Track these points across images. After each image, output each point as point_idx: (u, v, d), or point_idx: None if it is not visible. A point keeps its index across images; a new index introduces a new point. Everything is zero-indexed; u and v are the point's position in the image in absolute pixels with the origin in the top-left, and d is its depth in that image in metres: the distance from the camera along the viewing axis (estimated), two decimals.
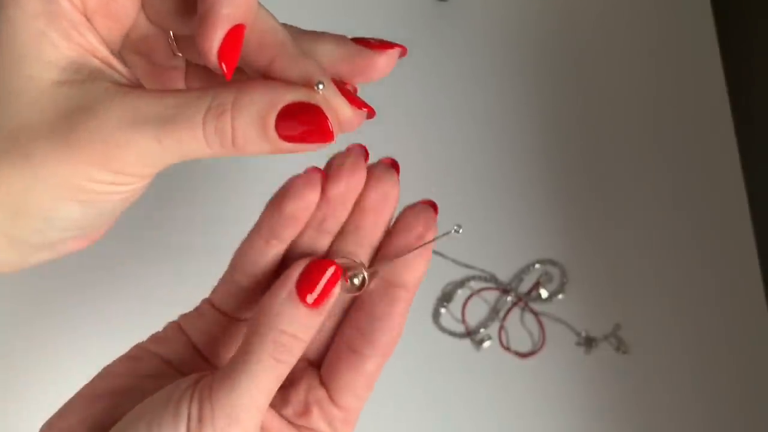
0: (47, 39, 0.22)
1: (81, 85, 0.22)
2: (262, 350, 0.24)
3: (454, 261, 0.53)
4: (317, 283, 0.25)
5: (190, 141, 0.23)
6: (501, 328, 0.53)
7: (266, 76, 0.24)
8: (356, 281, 0.26)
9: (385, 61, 0.25)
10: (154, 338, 0.28)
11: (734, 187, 0.54)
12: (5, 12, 0.22)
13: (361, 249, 0.27)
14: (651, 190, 0.55)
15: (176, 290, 0.29)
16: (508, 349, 0.52)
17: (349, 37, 0.25)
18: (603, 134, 0.56)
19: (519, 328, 0.53)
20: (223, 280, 0.28)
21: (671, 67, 0.57)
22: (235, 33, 0.22)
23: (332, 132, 0.23)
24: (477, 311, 0.53)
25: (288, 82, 0.23)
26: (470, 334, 0.52)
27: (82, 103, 0.22)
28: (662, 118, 0.56)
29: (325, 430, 0.27)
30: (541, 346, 0.52)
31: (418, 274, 0.27)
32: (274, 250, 0.26)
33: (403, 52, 0.25)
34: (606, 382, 0.52)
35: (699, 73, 0.57)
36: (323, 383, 0.27)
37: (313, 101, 0.23)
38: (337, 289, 0.25)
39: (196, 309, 0.28)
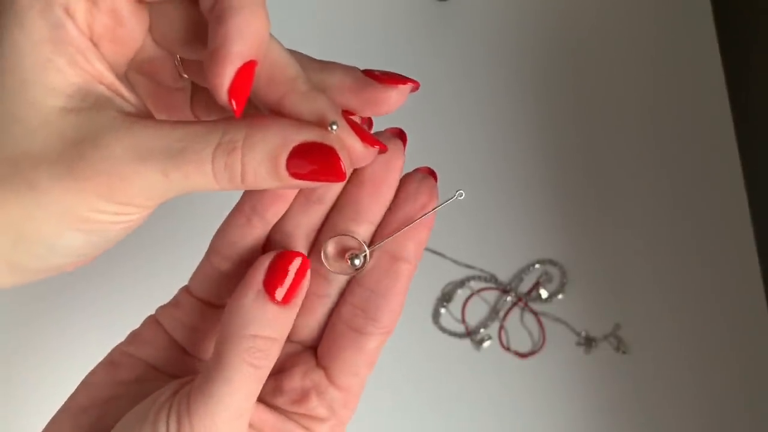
0: (53, 65, 0.21)
1: (87, 114, 0.22)
2: (237, 358, 0.23)
3: (454, 261, 0.53)
4: (285, 277, 0.24)
5: (198, 176, 0.22)
6: (501, 328, 0.53)
7: (276, 112, 0.24)
8: (357, 262, 0.25)
9: (395, 96, 0.25)
10: (132, 338, 0.27)
11: (734, 187, 0.54)
12: (10, 36, 0.21)
13: (360, 226, 0.25)
14: (651, 190, 0.55)
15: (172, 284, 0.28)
16: (508, 349, 0.52)
17: (360, 68, 0.25)
18: (603, 134, 0.56)
19: (519, 328, 0.53)
20: (201, 265, 0.27)
21: (671, 67, 0.57)
22: (246, 70, 0.22)
23: (345, 172, 0.23)
24: (477, 311, 0.53)
25: (300, 120, 0.23)
26: (470, 334, 0.52)
27: (88, 133, 0.22)
28: (662, 117, 0.56)
29: (324, 415, 0.26)
30: (541, 346, 0.52)
31: (421, 245, 0.26)
32: (257, 230, 0.25)
33: (415, 87, 0.25)
34: (606, 382, 0.52)
35: (699, 72, 0.57)
36: (321, 365, 0.26)
37: (326, 142, 0.23)
38: (307, 281, 0.25)
39: (174, 299, 0.27)
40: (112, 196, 0.22)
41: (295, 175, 0.23)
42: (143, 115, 0.23)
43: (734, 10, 0.59)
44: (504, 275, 0.53)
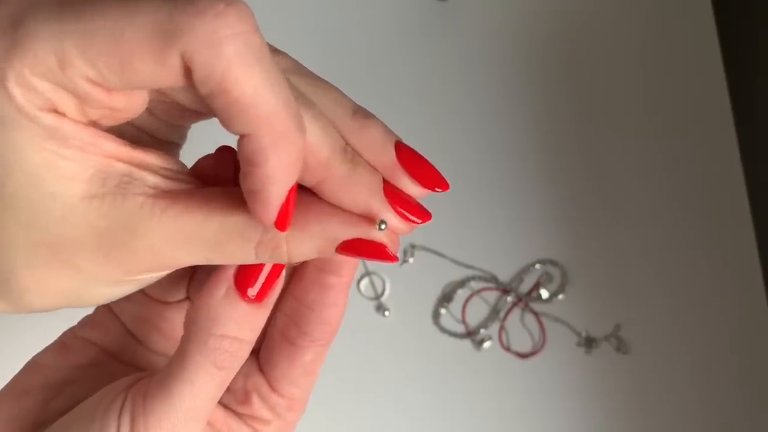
0: (61, 157, 0.20)
1: (112, 200, 0.21)
2: (202, 357, 0.22)
3: (454, 261, 0.53)
4: (258, 274, 0.23)
5: (240, 261, 0.22)
6: (501, 328, 0.53)
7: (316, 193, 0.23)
8: None
9: (419, 193, 0.24)
10: (86, 322, 0.27)
11: (735, 187, 0.54)
12: (8, 137, 0.20)
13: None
14: (651, 190, 0.55)
15: None
16: (508, 349, 0.52)
17: (395, 141, 0.23)
18: (603, 134, 0.56)
19: (519, 329, 0.53)
20: None
21: (671, 67, 0.57)
22: (290, 197, 0.21)
23: (394, 257, 0.22)
24: (477, 311, 0.53)
25: (344, 214, 0.22)
26: (470, 334, 0.52)
27: (120, 222, 0.21)
28: (662, 117, 0.56)
29: (268, 417, 0.26)
30: (542, 347, 0.52)
31: (354, 259, 0.24)
32: None
33: (444, 189, 0.24)
34: (606, 382, 0.52)
35: (700, 72, 0.57)
36: (261, 370, 0.26)
37: (376, 240, 0.22)
38: (281, 280, 0.24)
39: None
40: (155, 271, 0.22)
41: (344, 255, 0.22)
42: (170, 191, 0.22)
43: (735, 9, 0.58)
44: (504, 275, 0.53)
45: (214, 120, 0.21)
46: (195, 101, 0.21)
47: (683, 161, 0.55)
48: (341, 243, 0.22)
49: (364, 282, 0.53)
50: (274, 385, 0.25)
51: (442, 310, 0.53)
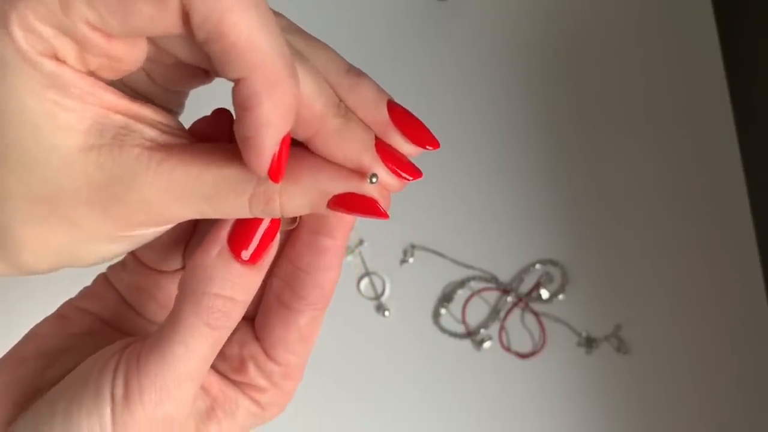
0: (60, 107, 0.20)
1: (109, 151, 0.21)
2: (195, 317, 0.22)
3: (454, 261, 0.53)
4: (252, 235, 0.23)
5: (234, 214, 0.22)
6: (501, 328, 0.53)
7: (309, 147, 0.23)
8: None
9: (411, 151, 0.24)
10: (84, 293, 0.27)
11: (735, 187, 0.54)
12: (7, 85, 0.20)
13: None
14: (651, 190, 0.55)
15: None
16: (508, 349, 0.52)
17: (387, 99, 0.24)
18: (604, 134, 0.56)
19: (519, 329, 0.53)
20: None
21: (672, 67, 0.57)
22: (283, 146, 0.21)
23: (385, 213, 0.23)
24: (477, 312, 0.53)
25: (337, 168, 0.22)
26: (471, 334, 0.52)
27: (115, 174, 0.21)
28: (663, 118, 0.56)
29: (264, 385, 0.26)
30: (542, 347, 0.52)
31: (345, 219, 0.25)
32: None
33: (435, 147, 0.24)
34: (606, 382, 0.51)
35: (699, 72, 0.57)
36: (257, 337, 0.26)
37: (366, 194, 0.22)
38: (276, 243, 0.24)
39: (121, 259, 0.27)
40: (150, 226, 0.22)
41: (336, 210, 0.23)
42: (167, 144, 0.22)
43: (735, 10, 0.58)
44: (504, 275, 0.53)
45: (210, 93, 0.20)
46: (190, 52, 0.21)
47: (683, 161, 0.55)
48: (333, 198, 0.22)
49: (364, 282, 0.53)
50: (270, 352, 0.25)
51: (442, 310, 0.53)
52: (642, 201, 0.54)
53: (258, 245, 0.23)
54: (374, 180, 0.22)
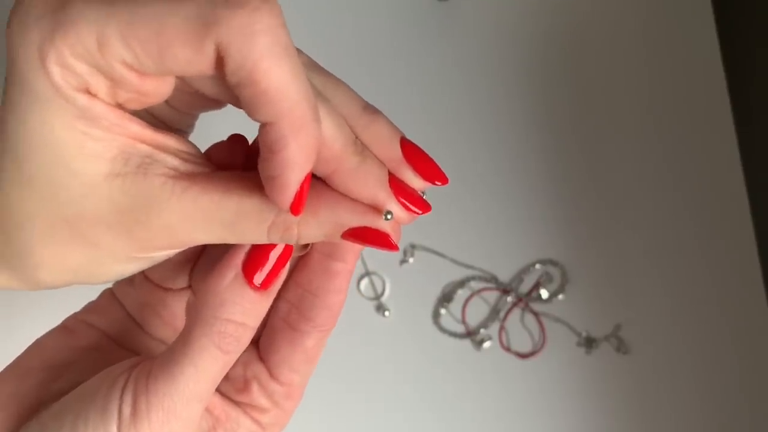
0: (89, 137, 0.21)
1: (134, 180, 0.22)
2: (206, 340, 0.23)
3: (454, 261, 0.53)
4: (265, 262, 0.24)
5: (252, 240, 0.23)
6: (501, 328, 0.53)
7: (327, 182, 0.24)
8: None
9: (420, 186, 0.25)
10: (89, 307, 0.27)
11: (735, 187, 0.54)
12: (37, 116, 0.21)
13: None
14: (651, 190, 0.55)
15: None
16: (508, 349, 0.52)
17: (400, 137, 0.25)
18: (603, 134, 0.56)
19: (519, 329, 0.53)
20: None
21: (671, 67, 0.57)
22: (305, 183, 0.22)
23: (396, 246, 0.24)
24: (477, 312, 0.53)
25: (353, 202, 0.23)
26: (470, 334, 0.52)
27: (140, 200, 0.22)
28: (662, 117, 0.56)
29: (266, 405, 0.26)
30: (542, 347, 0.52)
31: (358, 245, 0.26)
32: None
33: (444, 183, 0.25)
34: (606, 382, 0.51)
35: (699, 72, 0.57)
36: (261, 358, 0.26)
37: (380, 229, 0.23)
38: (287, 269, 0.24)
39: (129, 276, 0.27)
40: (170, 248, 0.23)
41: (348, 240, 0.24)
42: (189, 172, 0.23)
43: (735, 10, 0.59)
44: (504, 275, 0.53)
45: (218, 114, 0.21)
46: (218, 90, 0.22)
47: (683, 161, 0.55)
48: (348, 230, 0.23)
49: (364, 282, 0.53)
50: (274, 371, 0.26)
51: (442, 310, 0.53)
52: (642, 201, 0.54)
53: (270, 271, 0.24)
54: (389, 217, 0.23)
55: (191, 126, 0.26)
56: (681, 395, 0.51)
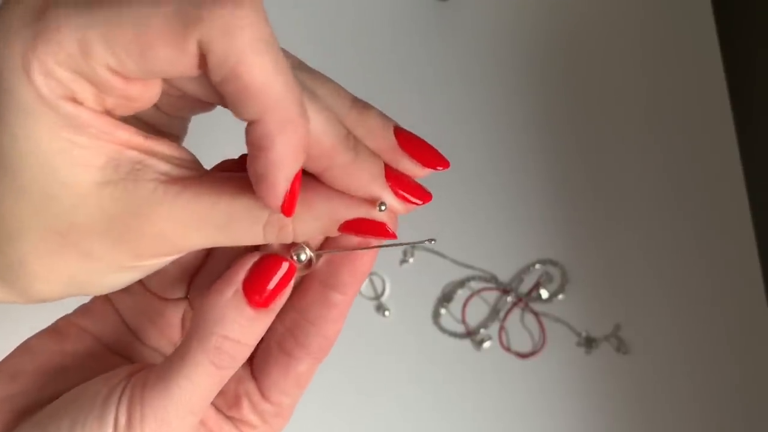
0: (76, 145, 0.21)
1: (125, 187, 0.22)
2: (202, 356, 0.23)
3: (454, 261, 0.53)
4: (268, 281, 0.23)
5: (248, 242, 0.23)
6: (501, 328, 0.53)
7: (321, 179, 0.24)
8: (303, 257, 0.24)
9: (421, 173, 0.25)
10: (82, 311, 0.27)
11: (735, 187, 0.54)
12: (22, 127, 0.20)
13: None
14: (651, 190, 0.55)
15: None
16: (508, 349, 0.52)
17: (393, 126, 0.24)
18: (603, 134, 0.56)
19: (519, 329, 0.53)
20: None
21: (671, 67, 0.57)
22: (295, 182, 0.22)
23: (393, 233, 0.23)
24: (477, 311, 0.53)
25: (347, 196, 0.23)
26: (470, 334, 0.52)
27: (131, 207, 0.22)
28: (662, 117, 0.56)
29: (256, 422, 0.26)
30: (542, 347, 0.52)
31: (359, 277, 0.25)
32: None
33: (445, 167, 0.25)
34: (606, 382, 0.51)
35: (699, 72, 0.57)
36: (254, 376, 0.26)
37: (376, 219, 0.23)
38: (289, 289, 0.24)
39: None
40: (164, 255, 0.23)
41: (346, 233, 0.24)
42: (180, 177, 0.23)
43: (735, 10, 0.58)
44: (504, 275, 0.53)
45: (210, 118, 0.21)
46: (204, 90, 0.22)
47: (683, 161, 0.55)
48: (344, 223, 0.23)
49: (364, 282, 0.53)
50: (265, 392, 0.26)
51: (442, 310, 0.53)
52: (642, 201, 0.54)
53: (273, 290, 0.24)
54: (383, 208, 0.23)
55: (183, 130, 0.26)
56: (681, 395, 0.51)
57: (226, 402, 0.26)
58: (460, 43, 0.58)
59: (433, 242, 0.26)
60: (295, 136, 0.20)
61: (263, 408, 0.26)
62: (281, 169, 0.21)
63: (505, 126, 0.56)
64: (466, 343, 0.52)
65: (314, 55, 0.25)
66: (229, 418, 0.26)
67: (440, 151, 0.26)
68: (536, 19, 0.58)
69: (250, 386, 0.26)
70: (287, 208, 0.22)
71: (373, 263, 0.26)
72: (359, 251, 0.25)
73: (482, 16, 0.58)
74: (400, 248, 0.53)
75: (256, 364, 0.26)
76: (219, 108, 0.25)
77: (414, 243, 0.26)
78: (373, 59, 0.57)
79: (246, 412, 0.26)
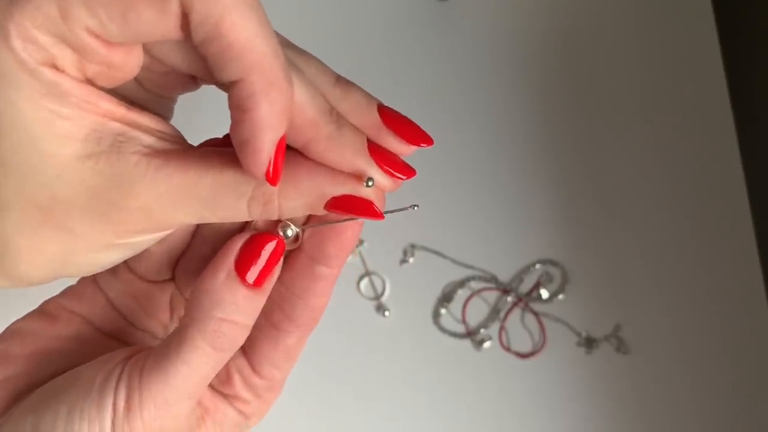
0: (57, 115, 0.20)
1: (107, 159, 0.21)
2: (200, 339, 0.23)
3: (454, 261, 0.53)
4: (257, 258, 0.23)
5: (233, 218, 0.23)
6: (501, 328, 0.53)
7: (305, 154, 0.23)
8: (289, 233, 0.24)
9: (406, 151, 0.25)
10: (70, 293, 0.27)
11: (735, 187, 0.54)
12: (4, 96, 0.20)
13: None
14: (651, 190, 0.55)
15: None
16: (508, 349, 0.52)
17: (377, 103, 0.24)
18: (603, 134, 0.56)
19: (519, 329, 0.53)
20: None
21: (671, 67, 0.57)
22: (279, 148, 0.21)
23: (380, 213, 0.23)
24: (477, 311, 0.53)
25: (333, 171, 0.23)
26: (470, 334, 0.52)
27: (114, 181, 0.21)
28: (662, 118, 0.56)
29: (248, 397, 0.26)
30: (542, 347, 0.52)
31: (345, 249, 0.25)
32: None
33: (429, 144, 0.25)
34: (606, 382, 0.51)
35: (699, 72, 0.57)
36: (244, 352, 0.26)
37: (362, 196, 0.23)
38: (279, 265, 0.24)
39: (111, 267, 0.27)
40: (148, 232, 0.23)
41: (332, 211, 0.23)
42: (164, 150, 0.22)
43: (735, 10, 0.59)
44: (504, 275, 0.53)
45: (198, 100, 0.20)
46: (186, 58, 0.21)
47: (683, 161, 0.55)
48: (330, 200, 0.23)
49: (364, 282, 0.53)
50: (256, 367, 0.26)
51: (442, 310, 0.53)
52: (642, 201, 0.54)
53: (263, 268, 0.23)
54: (370, 183, 0.23)
55: (169, 111, 0.26)
56: (681, 395, 0.51)
57: (218, 379, 0.26)
58: (460, 43, 0.58)
59: (416, 208, 0.25)
60: (279, 97, 0.20)
61: (255, 383, 0.26)
62: (266, 131, 0.20)
63: (504, 126, 0.56)
64: (466, 343, 0.52)
65: (313, 54, 0.25)
66: (223, 395, 0.26)
67: (439, 147, 0.26)
68: (536, 19, 0.58)
69: (241, 362, 0.26)
70: (272, 177, 0.21)
71: (359, 236, 0.25)
72: (344, 223, 0.25)
73: (482, 16, 0.58)
74: (400, 249, 0.53)
75: (246, 340, 0.26)
76: (205, 96, 0.25)
77: (396, 210, 0.25)
78: (372, 59, 0.57)
79: (238, 387, 0.26)
